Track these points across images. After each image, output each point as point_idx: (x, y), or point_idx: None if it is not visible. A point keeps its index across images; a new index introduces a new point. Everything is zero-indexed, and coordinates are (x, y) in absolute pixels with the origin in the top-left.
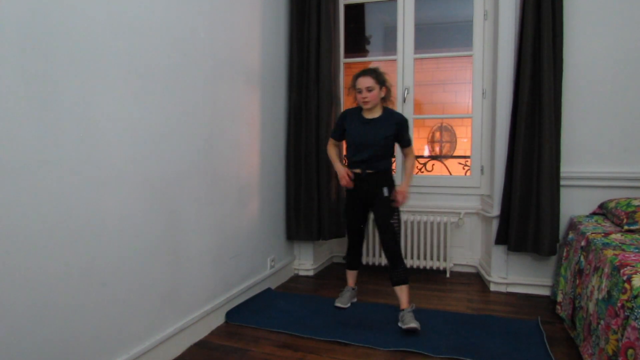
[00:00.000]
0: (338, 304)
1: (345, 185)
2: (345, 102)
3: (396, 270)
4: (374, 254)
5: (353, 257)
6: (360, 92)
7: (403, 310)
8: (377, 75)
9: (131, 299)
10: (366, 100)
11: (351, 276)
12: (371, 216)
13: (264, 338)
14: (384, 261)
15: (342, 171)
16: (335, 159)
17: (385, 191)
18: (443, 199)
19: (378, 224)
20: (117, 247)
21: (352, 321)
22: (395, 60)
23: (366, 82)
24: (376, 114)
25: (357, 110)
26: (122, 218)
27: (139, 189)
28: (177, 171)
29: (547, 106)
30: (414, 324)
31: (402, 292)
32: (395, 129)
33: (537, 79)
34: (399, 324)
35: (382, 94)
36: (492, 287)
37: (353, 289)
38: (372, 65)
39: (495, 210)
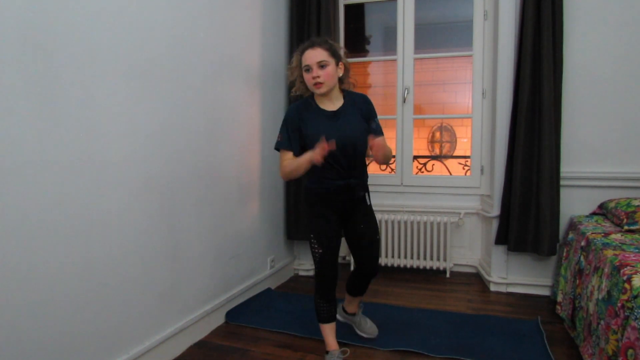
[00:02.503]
0: None
1: (321, 156)
2: None
3: (367, 285)
4: None
5: (331, 304)
6: (308, 70)
7: (356, 314)
8: (331, 47)
9: (131, 299)
10: (318, 80)
11: (332, 332)
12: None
13: (264, 338)
14: (383, 261)
15: (313, 152)
16: (298, 160)
17: (367, 198)
18: (443, 199)
19: (362, 239)
20: (117, 247)
21: None
22: (395, 60)
23: (317, 55)
24: (338, 101)
25: (308, 105)
26: (122, 218)
27: (139, 189)
28: (177, 171)
29: (547, 106)
30: (371, 334)
31: (356, 301)
32: (362, 114)
33: (537, 79)
34: (357, 330)
35: (340, 73)
36: (492, 287)
37: (343, 351)
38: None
39: (495, 210)
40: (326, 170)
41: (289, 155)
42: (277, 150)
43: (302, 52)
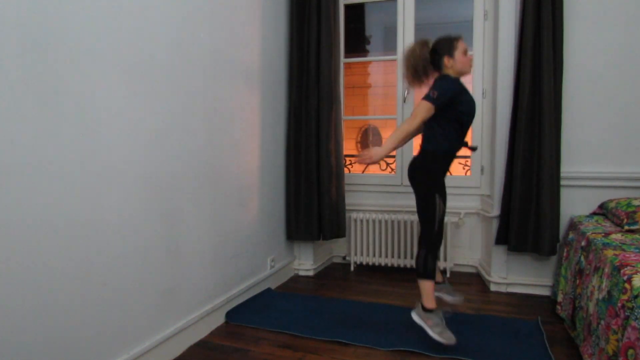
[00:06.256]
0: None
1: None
2: (345, 102)
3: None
4: (374, 254)
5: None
6: (466, 53)
7: (444, 282)
8: None
9: (131, 299)
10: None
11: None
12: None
13: (264, 338)
14: (384, 261)
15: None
16: (395, 141)
17: None
18: None
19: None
20: (117, 247)
21: (352, 321)
22: (395, 60)
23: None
24: None
25: (460, 81)
26: (122, 218)
27: (139, 189)
28: (176, 171)
29: (547, 106)
30: (459, 301)
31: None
32: None
33: (537, 79)
34: (447, 297)
35: None
36: (492, 287)
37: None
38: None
39: (495, 210)
40: (457, 132)
41: (432, 110)
42: (427, 101)
43: (458, 40)
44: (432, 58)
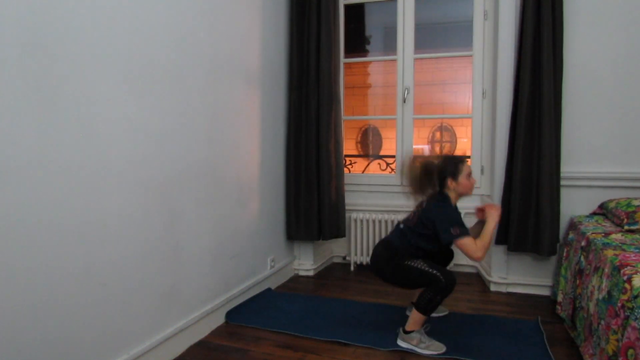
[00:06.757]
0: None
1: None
2: (345, 102)
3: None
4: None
5: None
6: (469, 176)
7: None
8: None
9: (131, 299)
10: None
11: None
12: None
13: (264, 338)
14: None
15: (494, 220)
16: (487, 233)
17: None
18: None
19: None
20: (117, 247)
21: (352, 321)
22: (395, 60)
23: None
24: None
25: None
26: (122, 218)
27: (139, 189)
28: (177, 171)
29: (547, 106)
30: (444, 311)
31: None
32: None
33: (537, 79)
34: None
35: None
36: (492, 287)
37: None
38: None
39: None
40: (431, 253)
41: (471, 238)
42: (465, 240)
43: (464, 163)
44: (437, 176)
